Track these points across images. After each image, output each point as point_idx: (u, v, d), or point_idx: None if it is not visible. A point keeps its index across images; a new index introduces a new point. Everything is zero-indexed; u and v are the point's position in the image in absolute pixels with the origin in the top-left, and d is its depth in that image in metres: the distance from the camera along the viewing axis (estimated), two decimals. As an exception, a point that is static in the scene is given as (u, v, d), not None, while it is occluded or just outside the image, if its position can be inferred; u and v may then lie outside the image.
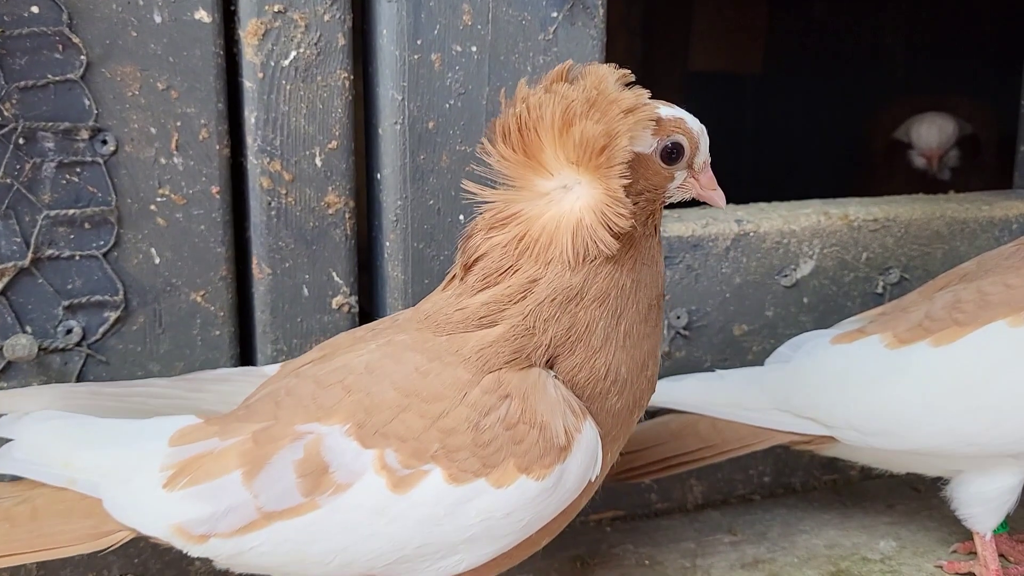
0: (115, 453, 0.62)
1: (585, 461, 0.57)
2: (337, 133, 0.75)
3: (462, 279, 0.60)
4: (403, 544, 0.57)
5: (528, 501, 0.56)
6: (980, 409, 0.72)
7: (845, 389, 0.76)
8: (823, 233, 0.92)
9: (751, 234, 0.89)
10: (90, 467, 0.63)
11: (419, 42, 0.74)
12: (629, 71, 0.59)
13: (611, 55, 0.73)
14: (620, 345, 0.58)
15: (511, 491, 0.56)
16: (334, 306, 0.77)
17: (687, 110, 0.61)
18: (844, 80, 1.86)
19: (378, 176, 0.78)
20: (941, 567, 0.82)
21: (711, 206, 0.65)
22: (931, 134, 1.29)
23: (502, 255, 0.58)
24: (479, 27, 0.76)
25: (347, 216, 0.76)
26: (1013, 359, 0.71)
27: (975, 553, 0.81)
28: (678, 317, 0.88)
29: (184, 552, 0.61)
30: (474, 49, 0.76)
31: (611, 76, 0.57)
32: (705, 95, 2.07)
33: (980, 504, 0.77)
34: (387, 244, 0.78)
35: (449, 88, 0.76)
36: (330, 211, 0.76)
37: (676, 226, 0.87)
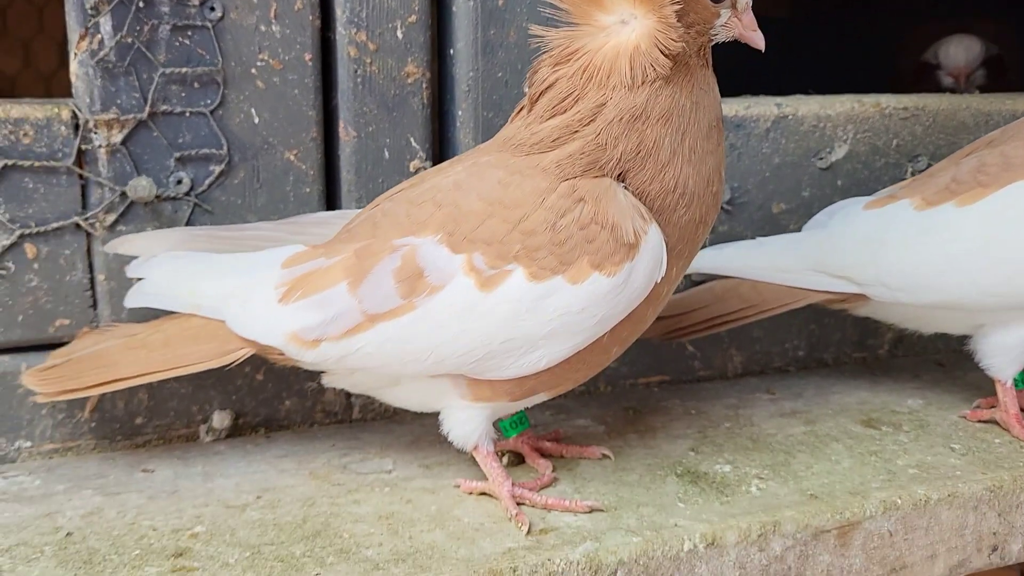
0: (236, 279, 0.71)
1: (651, 262, 0.65)
2: (416, 8, 0.82)
3: (530, 110, 0.68)
4: (490, 339, 0.65)
5: (601, 296, 0.64)
6: (1001, 263, 0.79)
7: (876, 248, 0.83)
8: (856, 119, 0.99)
9: (790, 117, 0.96)
10: (214, 293, 0.71)
11: (491, -76, 0.82)
12: None
13: None
14: (686, 159, 0.65)
15: (585, 287, 0.64)
16: (411, 169, 0.85)
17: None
18: (871, 8, 1.90)
19: (451, 51, 0.85)
20: (965, 416, 0.90)
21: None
22: (959, 53, 1.35)
23: (570, 85, 0.66)
24: (545, -88, 0.83)
25: (424, 86, 0.84)
26: None
27: (996, 407, 0.88)
28: (722, 192, 0.95)
29: (297, 359, 0.70)
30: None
31: None
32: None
33: (1001, 354, 0.84)
34: (459, 113, 0.85)
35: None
36: (409, 80, 0.83)
37: (721, 107, 0.94)
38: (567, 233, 0.63)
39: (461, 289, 0.64)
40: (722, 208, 0.95)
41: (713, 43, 0.69)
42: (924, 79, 1.39)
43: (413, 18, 0.82)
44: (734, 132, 0.94)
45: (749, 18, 0.69)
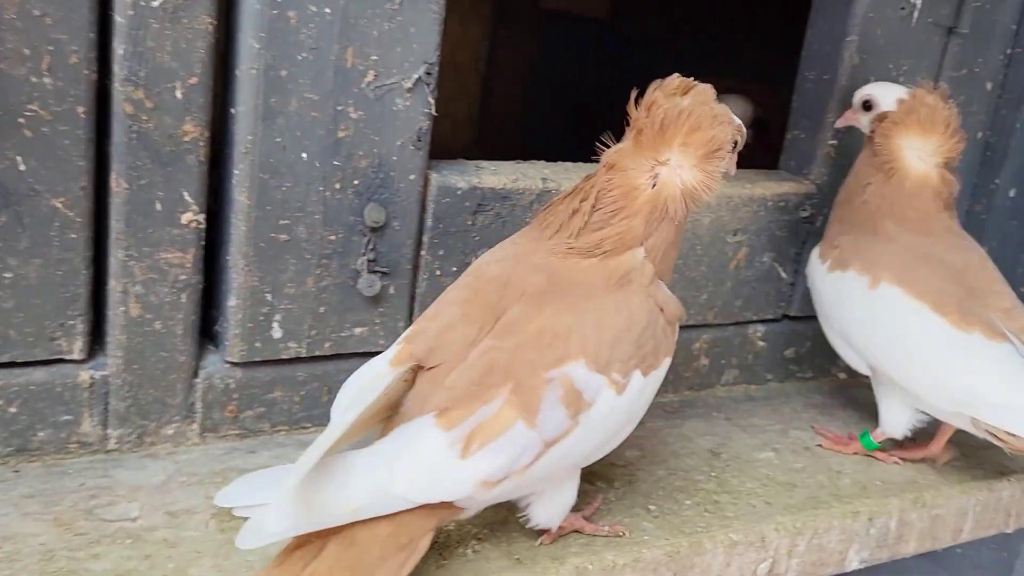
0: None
1: None
2: (197, 70, 0.84)
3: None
4: (618, 430, 0.83)
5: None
6: None
7: None
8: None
9: (553, 191, 1.05)
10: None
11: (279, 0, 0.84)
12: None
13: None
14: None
15: (663, 368, 0.84)
16: (183, 221, 0.88)
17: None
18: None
19: (232, 111, 0.88)
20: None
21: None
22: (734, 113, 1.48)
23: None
24: (334, -9, 0.86)
25: (201, 144, 0.86)
26: None
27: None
28: (484, 256, 1.03)
29: (471, 505, 0.77)
30: (328, 11, 0.87)
31: None
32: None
33: None
34: (236, 173, 0.89)
35: (302, 43, 0.86)
36: (186, 138, 0.85)
37: (491, 179, 1.02)
38: (658, 337, 0.82)
39: (606, 399, 0.78)
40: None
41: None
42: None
43: (194, 80, 0.84)
44: (500, 203, 1.02)
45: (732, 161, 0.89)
